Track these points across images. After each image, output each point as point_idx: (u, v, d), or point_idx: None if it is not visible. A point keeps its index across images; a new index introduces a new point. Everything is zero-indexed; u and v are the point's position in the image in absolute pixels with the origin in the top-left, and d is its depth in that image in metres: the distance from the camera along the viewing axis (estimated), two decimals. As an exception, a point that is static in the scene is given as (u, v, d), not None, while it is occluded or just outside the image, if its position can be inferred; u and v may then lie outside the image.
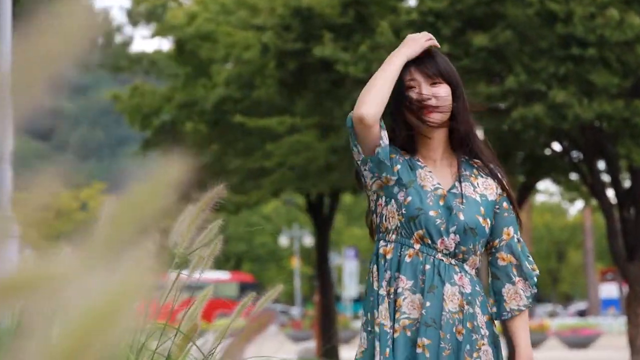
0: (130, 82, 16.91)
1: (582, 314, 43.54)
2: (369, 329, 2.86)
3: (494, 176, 2.93)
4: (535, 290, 2.96)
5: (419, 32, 2.94)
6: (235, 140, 14.95)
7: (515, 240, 2.93)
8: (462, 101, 2.88)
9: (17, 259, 2.45)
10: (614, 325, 32.61)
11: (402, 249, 2.82)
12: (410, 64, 2.85)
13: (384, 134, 2.79)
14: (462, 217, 2.83)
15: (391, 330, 2.80)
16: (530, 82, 10.33)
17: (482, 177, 2.93)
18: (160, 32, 16.58)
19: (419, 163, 2.90)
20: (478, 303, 2.84)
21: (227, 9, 15.07)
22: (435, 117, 2.84)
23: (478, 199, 2.88)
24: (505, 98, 10.66)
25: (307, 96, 12.98)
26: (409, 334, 2.79)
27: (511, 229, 2.93)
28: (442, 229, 2.81)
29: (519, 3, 10.40)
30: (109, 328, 0.58)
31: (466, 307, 2.81)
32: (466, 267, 2.85)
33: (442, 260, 2.82)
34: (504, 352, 2.97)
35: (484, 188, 2.91)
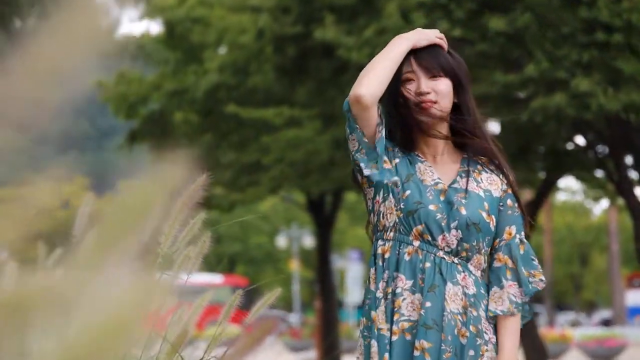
0: (116, 68, 16.92)
1: (606, 323, 43.56)
2: (366, 333, 2.89)
3: (500, 171, 2.96)
4: (527, 299, 2.93)
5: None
6: (229, 132, 14.95)
7: (517, 240, 2.95)
8: (466, 95, 2.93)
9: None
10: (642, 335, 32.63)
11: (401, 247, 2.86)
12: (411, 55, 2.90)
13: (382, 128, 2.83)
14: (463, 211, 2.86)
15: (389, 333, 2.82)
16: (551, 69, 10.33)
17: (486, 172, 2.97)
18: (148, 14, 16.58)
19: (419, 158, 2.95)
20: (483, 306, 2.87)
21: (221, -12, 15.07)
22: (431, 114, 2.88)
23: (482, 194, 2.92)
24: (524, 87, 10.66)
25: (307, 84, 12.97)
26: (408, 337, 2.81)
27: (513, 229, 2.95)
28: (442, 224, 2.84)
29: (540, -17, 10.40)
30: (117, 340, 0.59)
31: (469, 309, 2.82)
32: (470, 267, 2.87)
33: (444, 258, 2.84)
34: None
35: (488, 183, 2.95)
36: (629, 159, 12.41)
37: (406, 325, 2.82)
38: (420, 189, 2.87)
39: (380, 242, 2.90)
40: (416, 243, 2.85)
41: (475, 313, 2.84)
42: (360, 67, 3.00)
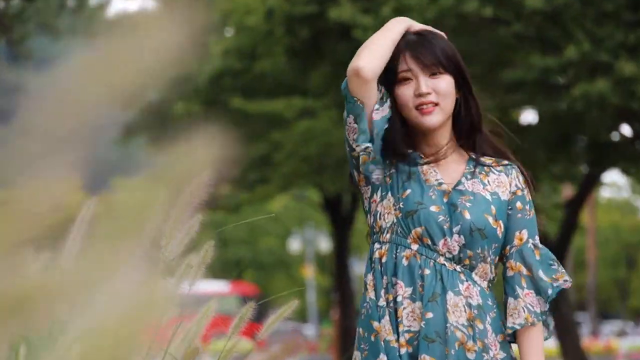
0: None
1: (657, 333, 43.47)
2: (362, 346, 2.90)
3: (511, 169, 2.97)
4: (547, 308, 2.93)
5: None
6: (235, 125, 14.97)
7: (530, 245, 2.95)
8: (468, 90, 2.96)
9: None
10: (696, 347, 32.54)
11: (398, 250, 2.87)
12: (405, 50, 2.92)
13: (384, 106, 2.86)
14: (467, 215, 2.87)
15: (397, 345, 2.83)
16: (593, 52, 10.30)
17: (494, 173, 2.99)
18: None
19: (421, 158, 2.97)
20: (489, 319, 2.87)
21: (225, -36, 15.09)
22: (433, 120, 2.91)
23: (488, 197, 2.93)
24: (563, 71, 10.64)
25: (321, 68, 12.98)
26: (410, 349, 2.83)
27: (525, 233, 2.95)
28: (444, 227, 2.86)
29: (580, -44, 10.37)
30: (116, 352, 0.60)
31: (475, 321, 2.83)
32: (475, 277, 2.88)
33: (445, 265, 2.85)
34: None
35: (495, 185, 2.96)
36: (681, 151, 12.37)
37: (407, 336, 2.84)
38: (422, 188, 2.89)
39: (377, 245, 2.91)
40: (414, 247, 2.86)
41: (481, 326, 2.84)
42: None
